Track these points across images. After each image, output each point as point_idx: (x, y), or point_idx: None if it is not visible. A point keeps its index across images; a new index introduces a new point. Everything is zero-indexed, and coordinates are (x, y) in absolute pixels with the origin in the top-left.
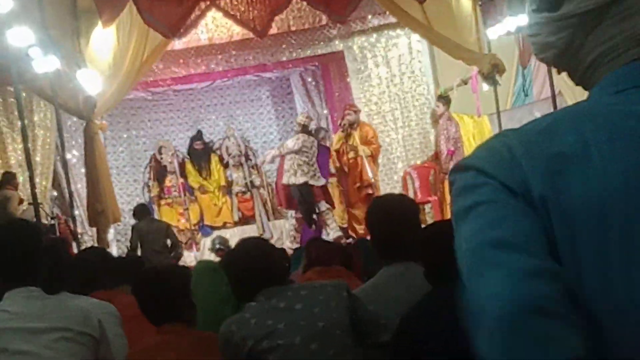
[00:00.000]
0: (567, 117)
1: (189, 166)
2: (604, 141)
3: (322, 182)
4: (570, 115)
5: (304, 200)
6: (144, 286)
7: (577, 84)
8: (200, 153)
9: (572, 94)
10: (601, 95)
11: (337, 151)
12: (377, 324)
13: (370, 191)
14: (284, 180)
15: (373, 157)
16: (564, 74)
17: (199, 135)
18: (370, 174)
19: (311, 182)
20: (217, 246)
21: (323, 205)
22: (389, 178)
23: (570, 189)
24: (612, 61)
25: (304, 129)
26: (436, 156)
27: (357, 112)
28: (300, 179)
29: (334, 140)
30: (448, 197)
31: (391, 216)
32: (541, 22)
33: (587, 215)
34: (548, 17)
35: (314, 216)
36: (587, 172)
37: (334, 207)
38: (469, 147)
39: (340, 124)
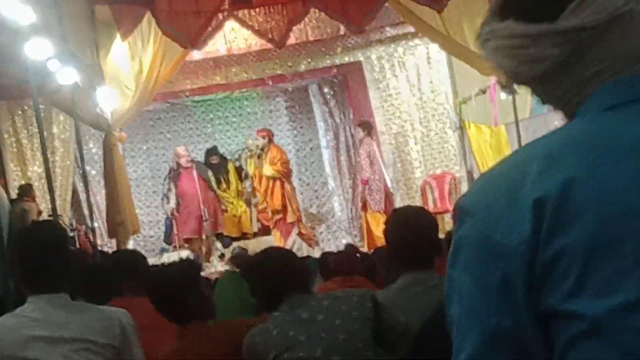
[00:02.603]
0: (564, 146)
1: (210, 177)
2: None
3: None
4: (567, 143)
5: None
6: (155, 289)
7: (553, 104)
8: (217, 167)
9: None
10: (591, 115)
11: (253, 176)
12: (405, 335)
13: (279, 216)
14: None
15: (281, 181)
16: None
17: (214, 150)
18: (278, 200)
19: None
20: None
21: None
22: (408, 187)
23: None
24: (609, 78)
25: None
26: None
27: (265, 136)
28: None
29: (249, 166)
30: None
31: (409, 227)
32: (538, 34)
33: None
34: (551, 29)
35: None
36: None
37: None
38: (486, 156)
39: (250, 151)
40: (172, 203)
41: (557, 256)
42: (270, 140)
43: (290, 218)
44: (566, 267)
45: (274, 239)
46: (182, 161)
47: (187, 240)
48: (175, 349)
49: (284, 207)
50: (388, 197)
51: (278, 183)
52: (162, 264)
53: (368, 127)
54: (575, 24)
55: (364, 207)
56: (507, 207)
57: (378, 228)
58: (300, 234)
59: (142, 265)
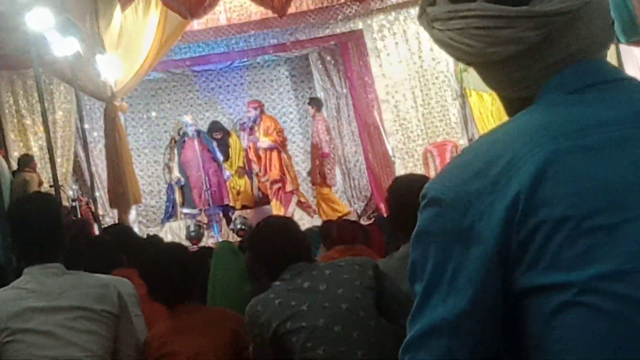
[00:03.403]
0: (524, 132)
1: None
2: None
3: None
4: (538, 127)
5: None
6: (152, 268)
7: (510, 86)
8: (220, 141)
9: None
10: (556, 98)
11: (248, 149)
12: (407, 304)
13: (278, 186)
14: None
15: (278, 150)
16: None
17: (215, 126)
18: (276, 169)
19: None
20: (239, 226)
21: None
22: (410, 156)
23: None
24: (572, 63)
25: None
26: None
27: (257, 107)
28: None
29: (242, 139)
30: None
31: (411, 195)
32: (515, 15)
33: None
34: (530, 11)
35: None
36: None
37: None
38: (487, 124)
39: (241, 123)
40: (176, 172)
41: (532, 235)
42: (262, 111)
43: (289, 187)
44: (541, 244)
45: (271, 209)
46: (190, 130)
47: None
48: (170, 326)
49: (283, 175)
50: (389, 166)
51: (275, 152)
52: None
53: (318, 104)
54: (553, 8)
55: (324, 181)
56: (478, 193)
57: (332, 202)
58: (299, 203)
59: (132, 239)
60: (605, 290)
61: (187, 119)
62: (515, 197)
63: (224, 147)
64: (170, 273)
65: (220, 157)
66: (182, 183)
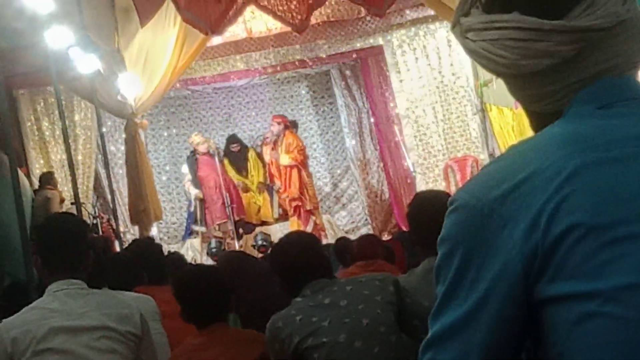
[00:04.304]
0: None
1: (227, 165)
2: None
3: None
4: (566, 140)
5: None
6: (186, 288)
7: (541, 102)
8: (238, 155)
9: None
10: (585, 112)
11: (270, 164)
12: (427, 320)
13: (298, 204)
14: None
15: (298, 168)
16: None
17: (233, 139)
18: (295, 188)
19: None
20: (260, 242)
21: None
22: (430, 171)
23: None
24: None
25: None
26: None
27: (280, 122)
28: None
29: (265, 153)
30: None
31: (432, 211)
32: (550, 29)
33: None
34: (566, 26)
35: None
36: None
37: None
38: (508, 139)
39: (264, 137)
40: (194, 189)
41: (556, 245)
42: (287, 127)
43: (307, 205)
44: (565, 253)
45: (290, 226)
46: (200, 148)
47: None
48: (198, 343)
49: (301, 195)
50: (410, 181)
51: (295, 170)
52: (190, 266)
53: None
54: (588, 24)
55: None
56: (501, 201)
57: None
58: (314, 224)
59: (157, 254)
60: (629, 300)
61: (194, 137)
62: (540, 208)
63: (243, 162)
64: (206, 295)
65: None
66: (201, 199)
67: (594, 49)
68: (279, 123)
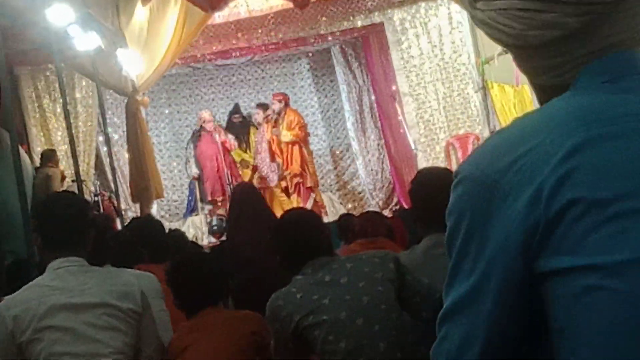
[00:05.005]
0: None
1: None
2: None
3: None
4: (570, 114)
5: None
6: (174, 277)
7: (548, 75)
8: (239, 126)
9: None
10: (591, 86)
11: (269, 141)
12: (429, 297)
13: (299, 180)
14: None
15: (299, 145)
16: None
17: (236, 109)
18: (297, 164)
19: None
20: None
21: None
22: (431, 149)
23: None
24: (609, 54)
25: None
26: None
27: (281, 100)
28: None
29: (266, 130)
30: None
31: (434, 188)
32: (554, 1)
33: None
34: None
35: None
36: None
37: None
38: (509, 116)
39: (266, 115)
40: (194, 167)
41: (559, 218)
42: (287, 104)
43: (308, 182)
44: (568, 227)
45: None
46: (208, 126)
47: (210, 202)
48: (189, 326)
49: (303, 171)
50: (411, 158)
51: (297, 147)
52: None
53: (265, 108)
54: None
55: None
56: (504, 172)
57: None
58: (314, 202)
59: (158, 232)
60: (632, 274)
61: (205, 114)
62: (542, 181)
63: (244, 135)
64: (196, 283)
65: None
66: (198, 177)
67: (602, 22)
68: (279, 101)
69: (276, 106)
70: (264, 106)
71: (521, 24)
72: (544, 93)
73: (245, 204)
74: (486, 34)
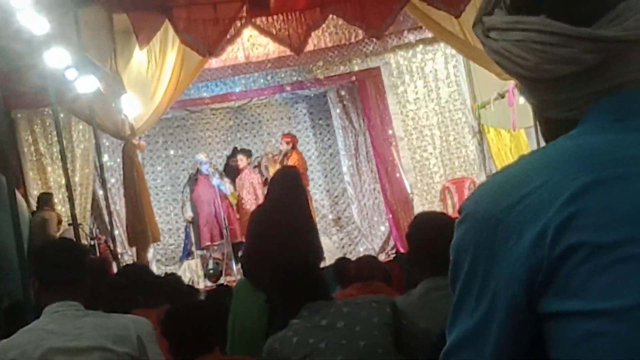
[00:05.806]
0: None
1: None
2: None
3: None
4: (577, 153)
5: None
6: (169, 328)
7: (558, 109)
8: (237, 170)
9: None
10: (600, 125)
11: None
12: (426, 342)
13: None
14: None
15: None
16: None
17: (234, 153)
18: None
19: None
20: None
21: None
22: (427, 193)
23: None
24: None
25: None
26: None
27: (289, 142)
28: None
29: (270, 169)
30: None
31: (431, 232)
32: (576, 36)
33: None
34: (592, 34)
35: None
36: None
37: None
38: (505, 161)
39: (273, 155)
40: (189, 211)
41: (563, 260)
42: (294, 147)
43: None
44: (572, 270)
45: None
46: (204, 167)
47: (206, 247)
48: None
49: None
50: (407, 203)
51: None
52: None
53: (248, 154)
54: (615, 35)
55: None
56: (507, 211)
57: None
58: None
59: (147, 278)
60: (635, 320)
61: (202, 156)
62: (547, 222)
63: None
64: (191, 332)
65: (227, 191)
66: (193, 221)
67: (617, 60)
68: (287, 142)
69: (283, 147)
70: (246, 152)
71: (536, 57)
72: (551, 126)
73: (288, 188)
74: (497, 63)
